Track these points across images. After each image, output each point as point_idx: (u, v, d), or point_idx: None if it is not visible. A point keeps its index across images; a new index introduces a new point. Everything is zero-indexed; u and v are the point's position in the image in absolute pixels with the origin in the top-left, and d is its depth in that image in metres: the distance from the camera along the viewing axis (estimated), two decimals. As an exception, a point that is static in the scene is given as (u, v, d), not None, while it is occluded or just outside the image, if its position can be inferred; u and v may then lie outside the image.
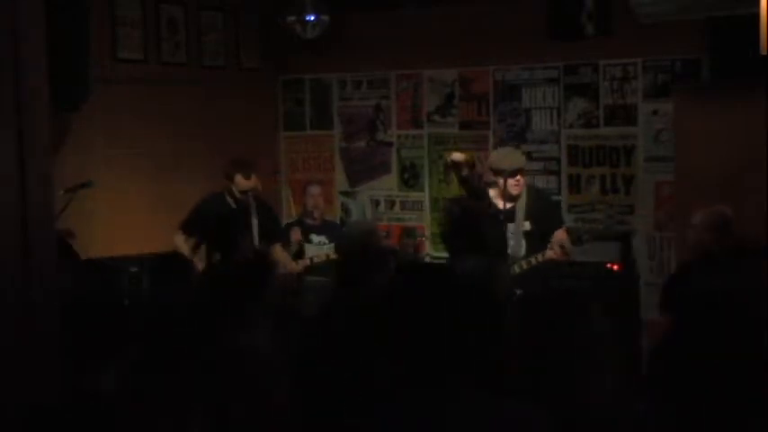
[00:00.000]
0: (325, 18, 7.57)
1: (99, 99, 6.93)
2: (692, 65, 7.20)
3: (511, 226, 5.96)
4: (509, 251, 5.89)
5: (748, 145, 6.52)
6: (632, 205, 7.53)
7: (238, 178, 6.57)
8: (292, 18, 7.56)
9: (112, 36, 7.34)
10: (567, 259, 5.97)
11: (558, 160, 7.78)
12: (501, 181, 5.90)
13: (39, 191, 2.95)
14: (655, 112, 7.39)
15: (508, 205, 5.93)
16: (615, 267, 6.85)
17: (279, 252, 6.81)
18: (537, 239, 6.00)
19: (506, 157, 6.14)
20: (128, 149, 7.43)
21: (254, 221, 6.64)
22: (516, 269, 5.81)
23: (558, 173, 7.78)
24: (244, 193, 6.57)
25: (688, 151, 6.95)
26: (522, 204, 5.97)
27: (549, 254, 5.84)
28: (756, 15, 4.72)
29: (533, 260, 5.87)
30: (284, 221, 8.05)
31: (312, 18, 7.53)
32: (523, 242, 5.96)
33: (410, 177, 8.47)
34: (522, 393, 2.42)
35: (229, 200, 6.64)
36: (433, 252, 7.62)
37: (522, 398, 2.37)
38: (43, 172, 2.98)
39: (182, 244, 6.57)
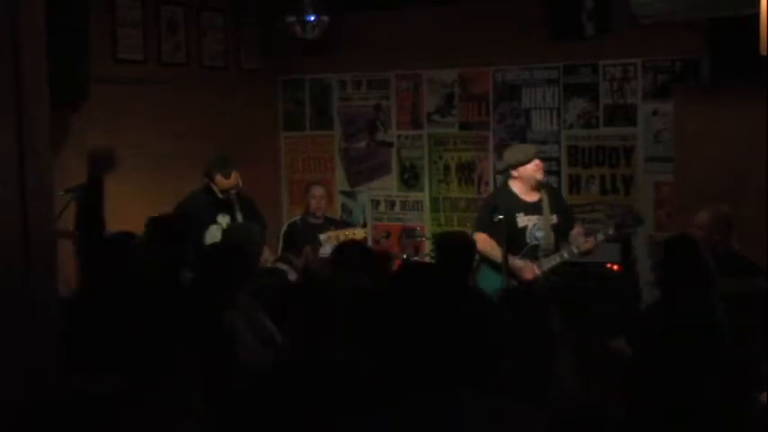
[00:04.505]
0: (325, 18, 7.56)
1: (99, 99, 6.93)
2: (692, 65, 7.20)
3: (536, 218, 6.08)
4: (540, 243, 6.02)
5: (748, 145, 6.53)
6: (632, 205, 7.52)
7: (218, 178, 6.56)
8: (292, 18, 7.55)
9: (112, 36, 7.34)
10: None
11: (558, 160, 7.78)
12: (526, 169, 6.12)
13: (39, 191, 2.95)
14: (655, 113, 7.39)
15: (533, 198, 6.07)
16: (615, 268, 6.85)
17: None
18: (562, 233, 6.13)
19: (522, 148, 6.52)
20: (128, 149, 7.42)
21: (239, 216, 6.63)
22: (556, 260, 6.03)
23: (558, 173, 7.78)
24: (225, 191, 6.56)
25: (688, 151, 6.95)
26: (546, 199, 6.09)
27: (587, 245, 5.97)
28: (756, 15, 4.71)
29: (567, 253, 6.02)
30: (284, 222, 8.05)
31: (312, 18, 7.51)
32: (552, 234, 6.07)
33: (410, 178, 8.47)
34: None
35: (209, 197, 6.62)
36: (432, 252, 7.61)
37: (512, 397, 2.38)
38: (43, 172, 2.98)
39: None
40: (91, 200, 4.69)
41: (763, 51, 4.67)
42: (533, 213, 6.12)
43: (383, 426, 2.27)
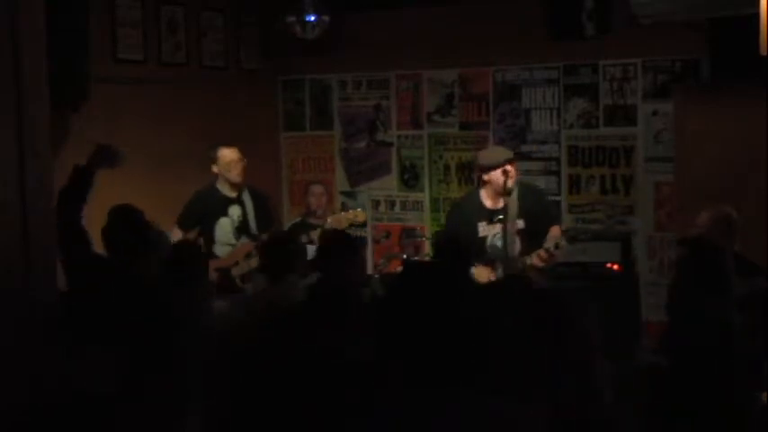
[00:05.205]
0: (325, 18, 7.56)
1: (99, 99, 6.93)
2: (692, 65, 7.20)
3: (497, 227, 6.01)
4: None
5: (748, 145, 6.53)
6: (632, 205, 7.53)
7: (223, 152, 6.58)
8: (292, 18, 7.56)
9: (112, 36, 7.34)
10: (553, 263, 5.99)
11: (558, 160, 7.78)
12: (494, 175, 5.97)
13: (39, 191, 2.95)
14: (655, 113, 7.39)
15: (499, 205, 6.00)
16: (615, 267, 6.84)
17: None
18: (531, 238, 6.04)
19: (494, 151, 6.48)
20: (128, 149, 7.41)
21: (250, 210, 6.64)
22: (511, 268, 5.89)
23: (558, 173, 7.78)
24: (234, 162, 6.56)
25: (688, 151, 6.95)
26: (513, 202, 6.01)
27: (533, 261, 5.86)
28: (756, 15, 4.71)
29: (520, 263, 5.89)
30: (285, 222, 8.04)
31: (312, 18, 7.52)
32: (517, 240, 6.01)
33: (410, 178, 8.47)
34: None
35: (223, 190, 6.64)
36: (433, 252, 7.61)
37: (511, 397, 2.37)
38: (43, 172, 2.98)
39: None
40: (76, 190, 4.71)
41: (763, 51, 4.67)
42: (497, 222, 6.02)
43: (383, 426, 2.27)
